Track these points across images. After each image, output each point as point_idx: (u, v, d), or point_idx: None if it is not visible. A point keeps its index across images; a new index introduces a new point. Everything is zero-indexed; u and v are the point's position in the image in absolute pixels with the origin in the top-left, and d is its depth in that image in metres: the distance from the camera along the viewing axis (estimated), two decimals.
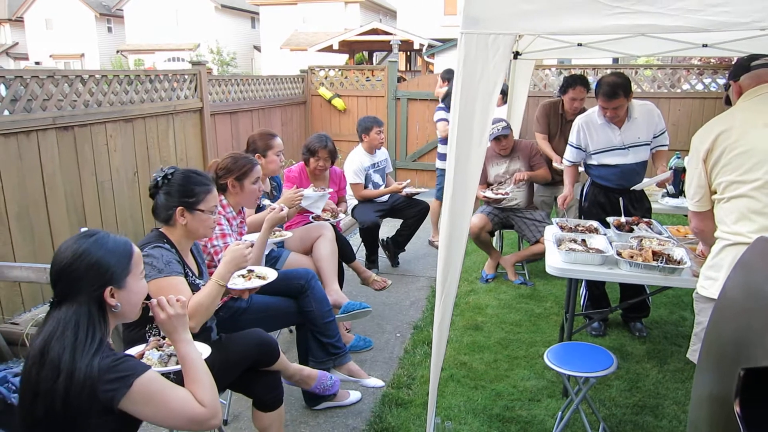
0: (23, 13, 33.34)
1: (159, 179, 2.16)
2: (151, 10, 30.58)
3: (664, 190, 4.28)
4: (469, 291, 4.55)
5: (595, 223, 3.33)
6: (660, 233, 3.13)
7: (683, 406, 2.96)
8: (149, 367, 1.42)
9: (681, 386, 3.15)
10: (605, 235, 3.13)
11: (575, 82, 4.42)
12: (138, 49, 31.41)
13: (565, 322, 3.55)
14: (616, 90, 3.26)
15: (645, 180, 3.45)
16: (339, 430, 2.82)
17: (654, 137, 3.52)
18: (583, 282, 3.88)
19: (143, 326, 2.08)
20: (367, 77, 7.98)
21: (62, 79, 3.96)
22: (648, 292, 3.65)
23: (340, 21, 26.30)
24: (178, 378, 1.68)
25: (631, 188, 3.52)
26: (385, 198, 4.80)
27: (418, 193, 4.93)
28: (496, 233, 5.10)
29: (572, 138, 3.62)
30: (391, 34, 18.68)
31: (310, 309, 2.77)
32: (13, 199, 3.56)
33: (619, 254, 2.78)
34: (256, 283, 2.37)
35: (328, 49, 20.04)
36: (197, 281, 2.16)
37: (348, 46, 20.48)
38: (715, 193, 2.14)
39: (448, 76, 5.59)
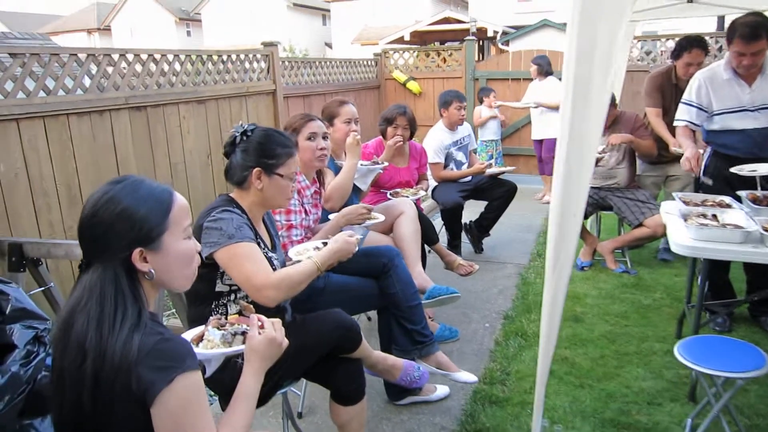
0: (110, 22, 35.21)
1: (237, 135, 1.93)
2: (226, 12, 31.43)
3: None
4: None
5: (726, 198, 2.83)
6: None
7: None
8: (197, 365, 1.12)
9: None
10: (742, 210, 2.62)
11: (691, 44, 3.85)
12: None
13: (687, 313, 3.07)
14: (757, 30, 2.72)
15: None
16: (426, 429, 2.50)
17: None
18: (702, 268, 3.36)
19: (210, 302, 1.83)
20: (443, 58, 7.59)
21: (135, 58, 3.86)
22: None
23: (411, 13, 25.95)
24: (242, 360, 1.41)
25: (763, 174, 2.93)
26: (468, 177, 4.42)
27: (503, 173, 4.52)
28: (592, 216, 4.60)
29: (689, 95, 3.08)
30: (463, 22, 18.17)
31: (393, 291, 2.45)
32: (86, 179, 3.47)
33: (766, 230, 2.29)
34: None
35: (399, 40, 19.74)
36: (270, 254, 1.90)
37: (419, 37, 20.11)
38: None
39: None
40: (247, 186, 1.91)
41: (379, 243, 2.91)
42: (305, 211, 2.42)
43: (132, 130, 3.79)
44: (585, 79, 1.75)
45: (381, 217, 2.45)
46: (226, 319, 1.46)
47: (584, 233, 4.31)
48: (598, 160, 3.99)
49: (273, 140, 1.92)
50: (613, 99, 4.00)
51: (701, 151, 3.17)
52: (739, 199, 2.82)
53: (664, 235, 4.11)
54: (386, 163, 3.24)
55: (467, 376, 2.57)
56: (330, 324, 1.90)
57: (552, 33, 18.70)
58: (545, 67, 6.08)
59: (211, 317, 1.43)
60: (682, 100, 3.13)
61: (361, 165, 3.06)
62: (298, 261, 1.96)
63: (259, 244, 1.85)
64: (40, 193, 3.19)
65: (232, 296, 1.85)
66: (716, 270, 3.23)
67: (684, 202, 2.82)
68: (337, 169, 2.89)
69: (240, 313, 1.47)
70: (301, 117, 2.55)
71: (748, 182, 3.06)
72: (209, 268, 1.78)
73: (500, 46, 20.18)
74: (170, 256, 1.19)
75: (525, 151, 7.31)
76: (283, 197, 1.94)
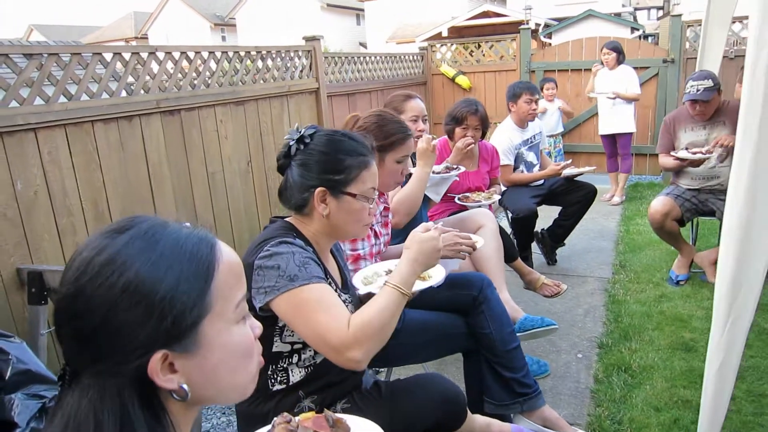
0: (147, 30, 35.65)
1: (292, 143, 1.44)
2: (260, 15, 31.43)
3: None
4: (659, 296, 3.52)
5: None
6: None
7: None
8: None
9: None
10: None
11: None
12: None
13: None
14: None
15: None
16: None
17: None
18: None
19: (265, 369, 1.37)
20: (502, 55, 7.03)
21: (166, 56, 3.46)
22: None
23: (447, 9, 25.36)
24: None
25: None
26: (541, 181, 3.88)
27: (580, 174, 3.97)
28: (689, 223, 3.99)
29: None
30: (503, 15, 17.49)
31: (486, 331, 1.94)
32: (115, 193, 3.08)
33: None
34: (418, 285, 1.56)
35: (437, 37, 19.14)
36: (342, 295, 1.42)
37: (457, 33, 19.48)
38: None
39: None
40: (309, 211, 1.44)
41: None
42: (375, 233, 1.94)
43: (164, 136, 3.39)
44: None
45: (481, 241, 1.94)
46: (296, 414, 0.97)
47: (678, 241, 3.72)
48: (702, 161, 3.41)
49: (340, 147, 1.43)
50: (718, 84, 3.40)
51: None
52: None
53: None
54: (462, 168, 2.72)
55: None
56: (430, 398, 1.41)
57: (597, 23, 17.91)
58: (622, 54, 5.47)
59: (276, 419, 0.94)
60: None
61: (434, 173, 2.55)
62: (369, 294, 1.47)
63: (329, 284, 1.37)
64: (64, 212, 2.81)
65: (295, 357, 1.38)
66: None
67: None
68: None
69: (317, 410, 0.98)
70: (403, 96, 2.04)
71: None
72: (265, 323, 1.31)
73: (542, 38, 19.45)
74: (215, 357, 0.71)
75: (586, 148, 6.72)
76: (358, 224, 1.46)
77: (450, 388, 1.47)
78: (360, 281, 1.56)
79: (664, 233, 3.60)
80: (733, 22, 5.70)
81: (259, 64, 4.23)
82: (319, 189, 1.40)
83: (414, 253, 1.37)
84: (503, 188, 3.83)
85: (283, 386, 1.40)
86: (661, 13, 26.85)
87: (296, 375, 1.38)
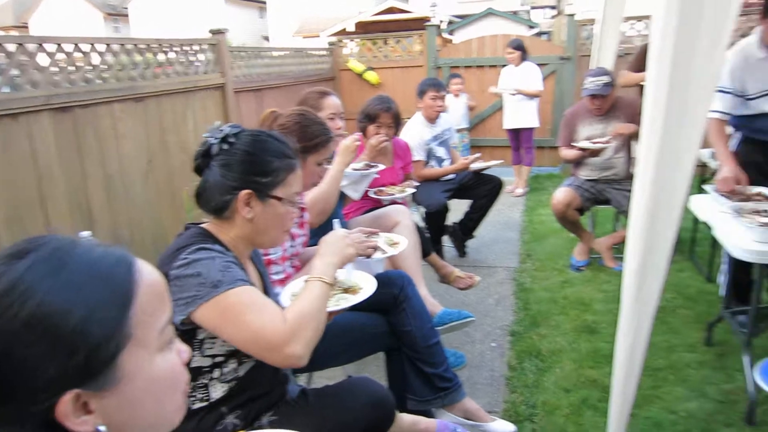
0: (28, 19, 32.85)
1: (215, 143, 1.35)
2: (157, 6, 29.86)
3: None
4: (563, 282, 3.73)
5: (765, 190, 2.49)
6: None
7: None
8: None
9: None
10: None
11: None
12: None
13: (729, 320, 2.74)
14: None
15: None
16: None
17: None
18: (726, 266, 3.05)
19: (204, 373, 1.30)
20: (402, 45, 7.12)
21: (57, 49, 3.19)
22: None
23: (353, 4, 25.36)
24: None
25: None
26: (452, 175, 3.98)
27: (488, 167, 4.11)
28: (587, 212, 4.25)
29: (723, 80, 2.73)
30: (408, 11, 17.78)
31: (408, 328, 1.96)
32: (0, 199, 2.80)
33: None
34: (346, 301, 1.54)
35: (342, 32, 19.12)
36: None
37: (364, 28, 19.52)
38: None
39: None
40: (230, 215, 1.36)
41: (371, 265, 2.40)
42: (291, 235, 1.89)
43: (55, 136, 3.12)
44: (684, 64, 1.32)
45: (404, 242, 1.93)
46: (250, 427, 0.92)
47: (579, 230, 3.95)
48: (599, 151, 3.63)
49: (267, 148, 1.38)
50: (613, 80, 3.63)
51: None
52: None
53: None
54: (381, 166, 2.73)
55: (503, 426, 2.10)
56: (360, 402, 1.39)
57: (497, 21, 18.68)
58: (525, 51, 5.71)
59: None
60: (717, 87, 2.75)
61: (353, 170, 2.53)
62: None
63: None
64: None
65: (216, 372, 1.31)
66: (740, 268, 2.91)
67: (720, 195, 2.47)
68: None
69: (242, 425, 0.93)
70: (319, 93, 2.03)
71: None
72: (184, 337, 1.24)
73: (445, 35, 19.97)
74: (136, 392, 0.63)
75: (491, 142, 6.96)
76: (281, 230, 1.42)
77: (379, 390, 1.46)
78: (289, 299, 1.51)
79: (567, 222, 3.80)
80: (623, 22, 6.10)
81: (161, 57, 4.01)
82: (244, 191, 1.34)
83: (323, 249, 1.46)
84: (416, 184, 3.89)
85: (205, 404, 1.32)
86: (555, 12, 28.33)
87: (218, 391, 1.32)
